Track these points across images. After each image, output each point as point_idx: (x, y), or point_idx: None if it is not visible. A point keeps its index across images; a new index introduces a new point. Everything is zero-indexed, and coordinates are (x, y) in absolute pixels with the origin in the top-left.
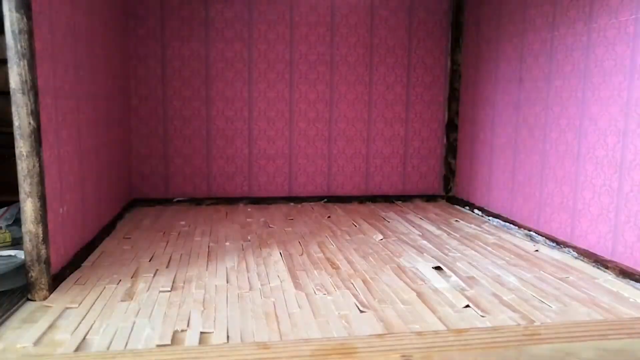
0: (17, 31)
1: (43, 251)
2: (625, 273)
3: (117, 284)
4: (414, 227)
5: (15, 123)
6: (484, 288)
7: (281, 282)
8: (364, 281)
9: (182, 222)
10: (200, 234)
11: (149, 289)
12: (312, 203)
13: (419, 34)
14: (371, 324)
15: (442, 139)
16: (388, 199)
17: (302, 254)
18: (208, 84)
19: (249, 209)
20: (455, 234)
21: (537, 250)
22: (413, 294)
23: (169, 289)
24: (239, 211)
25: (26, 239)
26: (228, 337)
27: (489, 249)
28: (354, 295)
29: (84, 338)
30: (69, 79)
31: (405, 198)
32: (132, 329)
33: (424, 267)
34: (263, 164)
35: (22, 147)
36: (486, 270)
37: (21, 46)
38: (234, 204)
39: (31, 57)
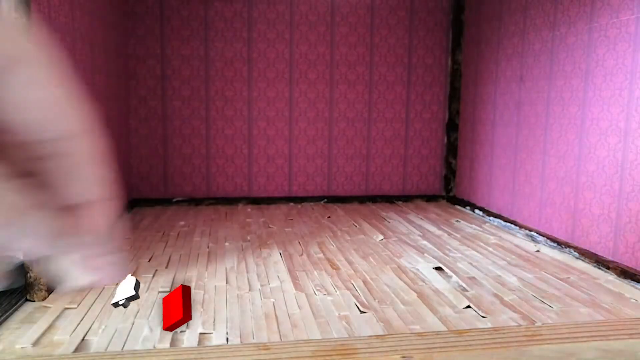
0: None
1: None
2: (626, 273)
3: (116, 284)
4: (414, 227)
5: None
6: (485, 288)
7: (281, 282)
8: (364, 282)
9: (182, 223)
10: (200, 234)
11: (148, 289)
12: (312, 203)
13: (420, 33)
14: (371, 325)
15: (442, 138)
16: (388, 199)
17: (302, 255)
18: (207, 84)
19: (249, 209)
20: (456, 234)
21: (538, 251)
22: (413, 294)
23: (169, 289)
24: (239, 211)
25: None
26: (227, 338)
27: (490, 249)
28: (354, 295)
29: (83, 339)
30: (67, 79)
31: (406, 198)
32: (130, 330)
33: (425, 267)
34: (263, 163)
35: None
36: (487, 271)
37: None
38: (234, 204)
39: None
